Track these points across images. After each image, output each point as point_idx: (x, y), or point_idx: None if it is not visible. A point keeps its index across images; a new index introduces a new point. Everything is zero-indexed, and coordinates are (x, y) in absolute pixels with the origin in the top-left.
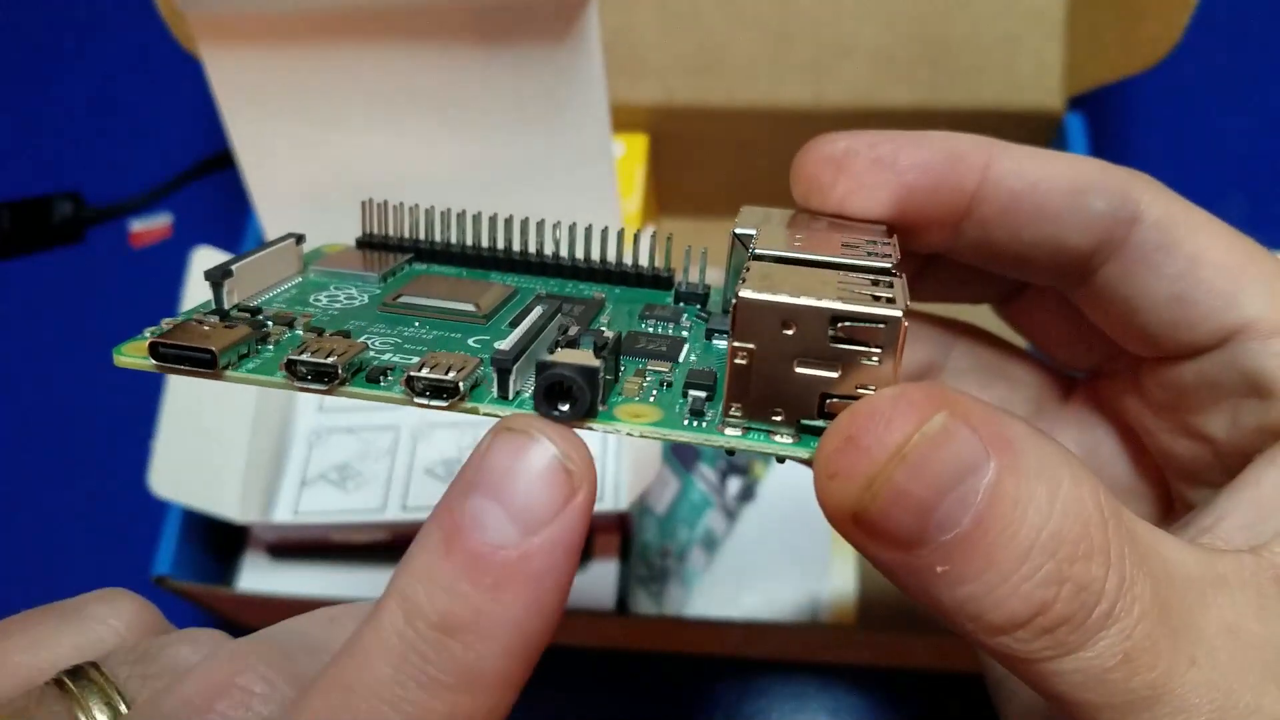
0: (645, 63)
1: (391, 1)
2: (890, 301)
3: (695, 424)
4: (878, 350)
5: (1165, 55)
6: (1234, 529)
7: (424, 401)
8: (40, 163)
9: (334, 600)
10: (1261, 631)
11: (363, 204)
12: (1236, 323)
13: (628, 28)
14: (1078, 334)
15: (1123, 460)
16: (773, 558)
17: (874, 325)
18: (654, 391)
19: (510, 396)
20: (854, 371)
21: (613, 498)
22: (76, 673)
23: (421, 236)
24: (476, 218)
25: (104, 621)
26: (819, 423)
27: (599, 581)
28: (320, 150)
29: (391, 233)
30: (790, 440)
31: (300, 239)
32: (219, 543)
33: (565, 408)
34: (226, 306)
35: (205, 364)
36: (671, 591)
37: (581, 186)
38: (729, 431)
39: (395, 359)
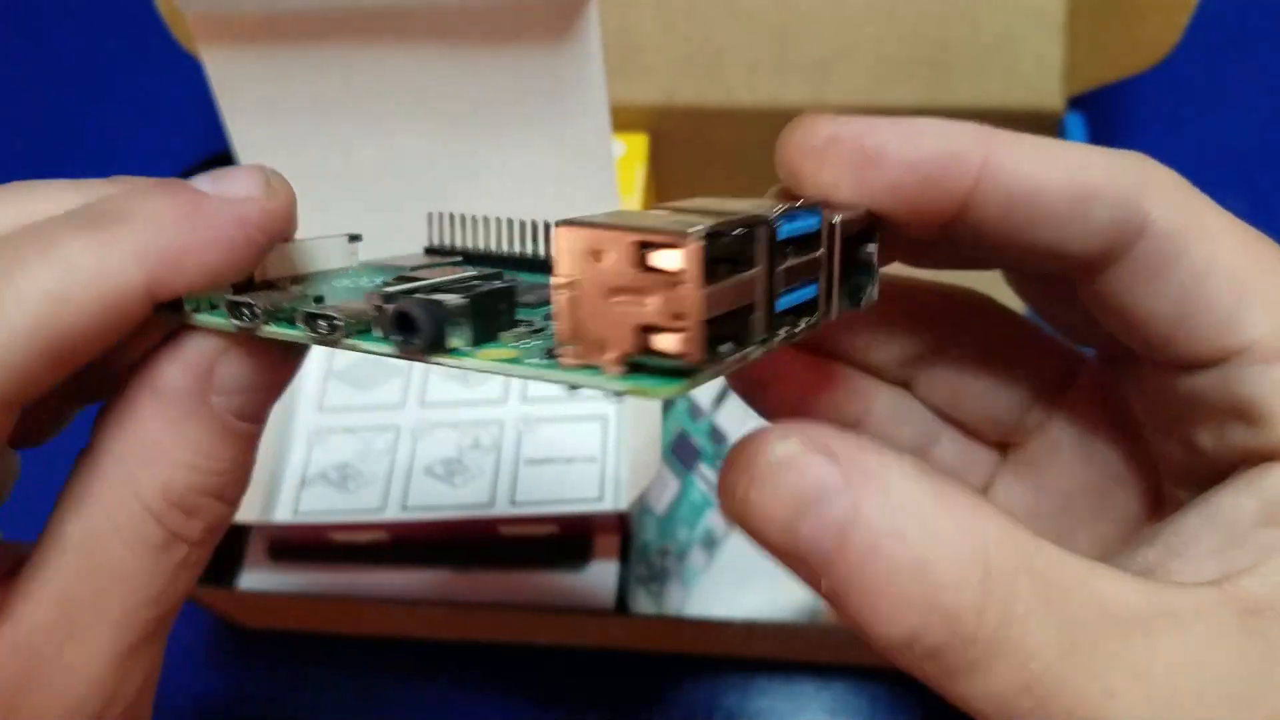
0: (645, 62)
1: (391, 1)
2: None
3: (540, 362)
4: (679, 276)
5: (1166, 55)
6: (1203, 554)
7: (315, 335)
8: (38, 162)
9: (334, 601)
10: (1214, 667)
11: (429, 215)
12: (1236, 344)
13: (628, 27)
14: (1084, 319)
15: (1117, 449)
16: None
17: (671, 249)
18: (526, 339)
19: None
20: (662, 300)
21: (612, 497)
22: None
23: (481, 245)
24: (522, 224)
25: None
26: (644, 359)
27: (598, 581)
28: (319, 149)
29: (456, 243)
30: (621, 376)
31: (355, 238)
32: (218, 542)
33: (409, 338)
34: (256, 279)
35: (173, 308)
36: (671, 591)
37: (582, 186)
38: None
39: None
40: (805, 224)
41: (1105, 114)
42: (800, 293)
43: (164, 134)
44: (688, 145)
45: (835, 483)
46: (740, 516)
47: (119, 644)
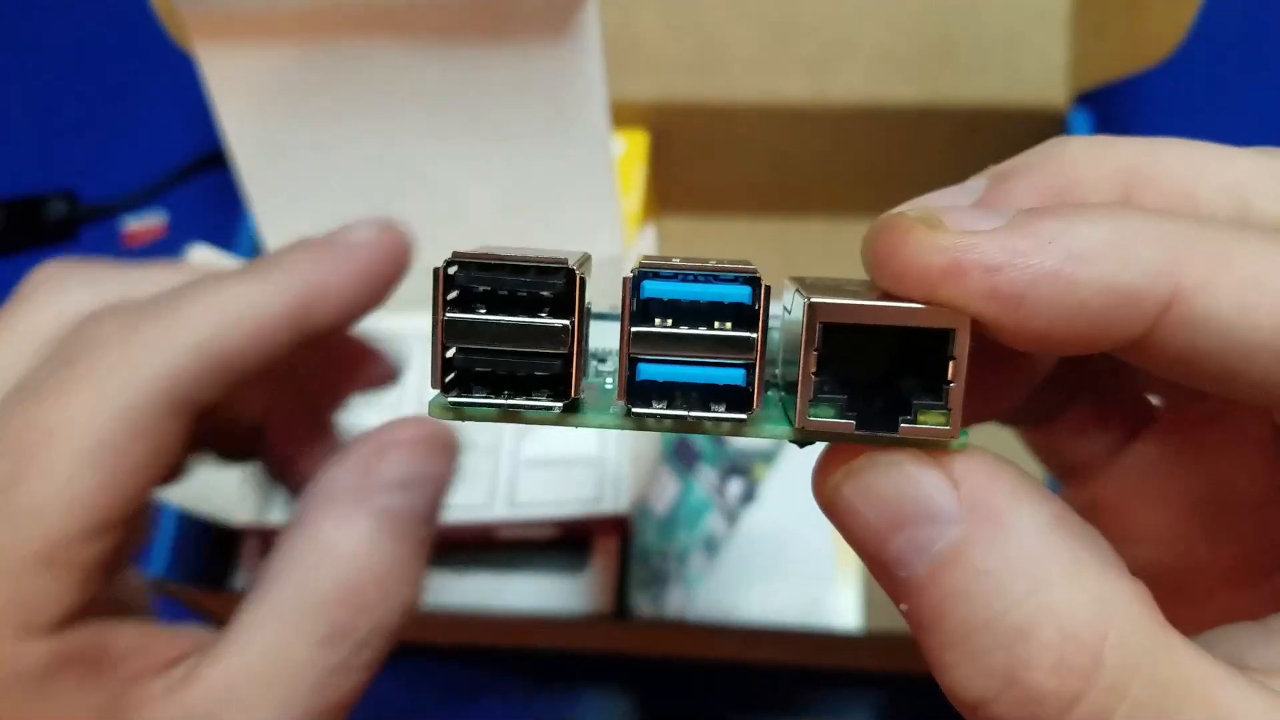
0: (645, 59)
1: (389, 0)
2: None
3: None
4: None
5: (1171, 51)
6: None
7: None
8: (34, 161)
9: None
10: None
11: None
12: None
13: (628, 23)
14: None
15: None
16: (774, 561)
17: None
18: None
19: None
20: None
21: (612, 499)
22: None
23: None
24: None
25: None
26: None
27: (598, 584)
28: (315, 148)
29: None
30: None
31: None
32: (215, 544)
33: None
34: None
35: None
36: (672, 595)
37: (582, 183)
38: None
39: None
40: (713, 291)
41: (1110, 111)
42: (691, 370)
43: (158, 132)
44: (688, 142)
45: (948, 509)
46: (828, 508)
47: None
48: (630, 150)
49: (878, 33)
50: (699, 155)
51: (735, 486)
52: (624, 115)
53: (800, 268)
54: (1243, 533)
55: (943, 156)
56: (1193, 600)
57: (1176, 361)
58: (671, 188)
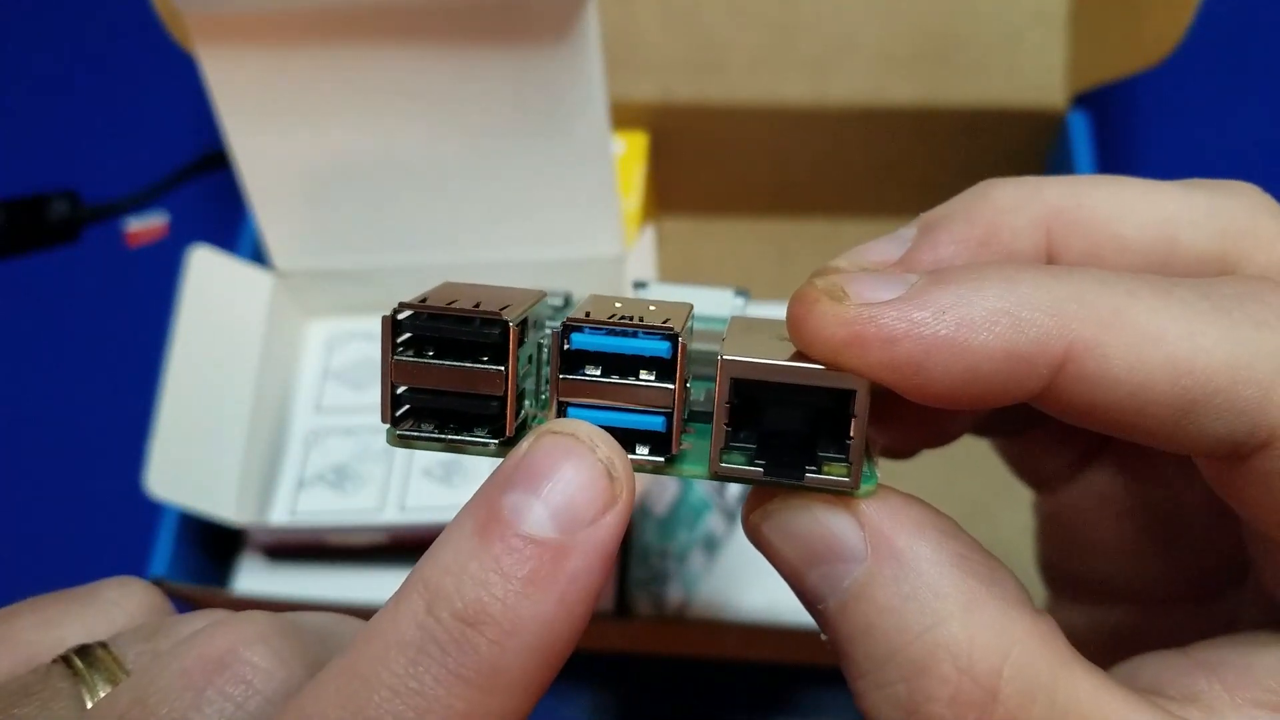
0: (645, 59)
1: (389, 1)
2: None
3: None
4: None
5: (1169, 52)
6: (1257, 700)
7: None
8: (35, 161)
9: (331, 603)
10: None
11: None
12: None
13: (627, 24)
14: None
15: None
16: None
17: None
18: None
19: None
20: None
21: None
22: (84, 651)
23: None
24: None
25: (115, 604)
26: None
27: None
28: (316, 149)
29: None
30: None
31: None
32: (216, 544)
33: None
34: None
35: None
36: (671, 593)
37: (581, 185)
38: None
39: None
40: (634, 345)
41: (1109, 112)
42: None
43: (160, 132)
44: (688, 143)
45: (855, 549)
46: (753, 541)
47: None
48: (630, 151)
49: (878, 33)
50: (699, 155)
51: (735, 486)
52: (624, 115)
53: (800, 268)
54: (1193, 551)
55: (942, 157)
56: (1152, 612)
57: (1079, 413)
58: (671, 188)
